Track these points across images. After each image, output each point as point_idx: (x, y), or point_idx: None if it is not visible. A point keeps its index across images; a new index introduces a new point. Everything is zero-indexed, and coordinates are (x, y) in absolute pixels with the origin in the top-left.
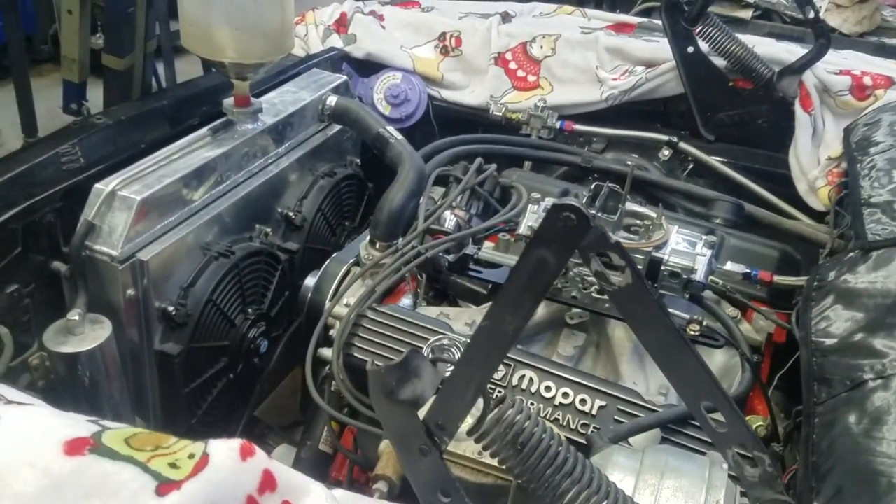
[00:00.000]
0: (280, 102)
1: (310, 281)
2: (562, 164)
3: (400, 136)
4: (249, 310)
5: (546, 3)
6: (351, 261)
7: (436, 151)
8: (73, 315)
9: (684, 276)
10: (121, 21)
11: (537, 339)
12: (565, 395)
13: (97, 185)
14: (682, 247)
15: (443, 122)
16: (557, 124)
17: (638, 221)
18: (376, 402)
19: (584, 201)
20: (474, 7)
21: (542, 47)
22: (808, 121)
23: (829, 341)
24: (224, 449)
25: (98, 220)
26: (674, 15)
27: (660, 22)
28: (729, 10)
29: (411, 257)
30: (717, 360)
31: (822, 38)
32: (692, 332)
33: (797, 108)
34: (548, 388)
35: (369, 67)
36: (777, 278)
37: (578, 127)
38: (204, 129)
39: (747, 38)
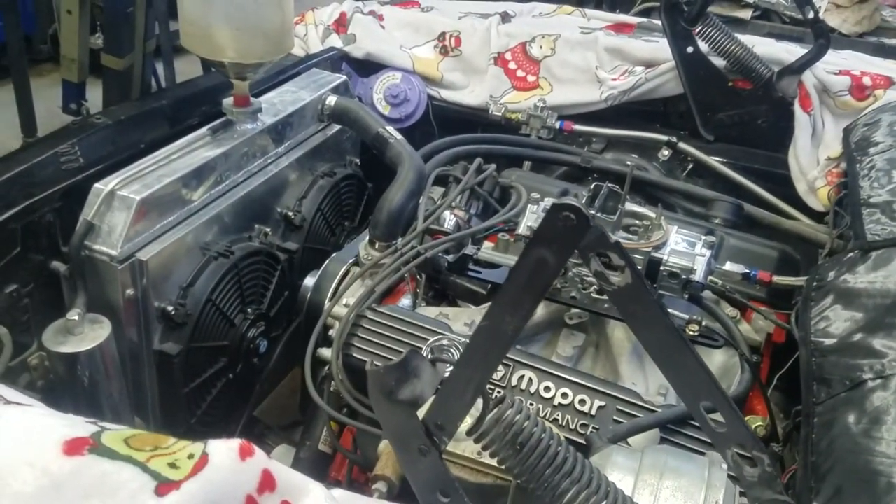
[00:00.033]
0: (279, 102)
1: (309, 281)
2: (561, 164)
3: (399, 136)
4: (249, 310)
5: (545, 3)
6: (350, 261)
7: (435, 151)
8: (73, 315)
9: (683, 277)
10: (120, 21)
11: (536, 339)
12: (564, 395)
13: (96, 185)
14: (682, 247)
15: (442, 122)
16: (557, 124)
17: (637, 221)
18: (375, 402)
19: (583, 201)
20: (474, 7)
21: (541, 47)
22: (808, 121)
23: (828, 341)
24: (223, 449)
25: (97, 220)
26: (673, 15)
27: (659, 22)
28: (728, 10)
29: (411, 257)
30: (716, 360)
31: (822, 38)
32: (691, 333)
33: (797, 108)
34: (547, 389)
35: (369, 67)
36: (776, 278)
37: (578, 127)
38: (203, 129)
39: (747, 39)
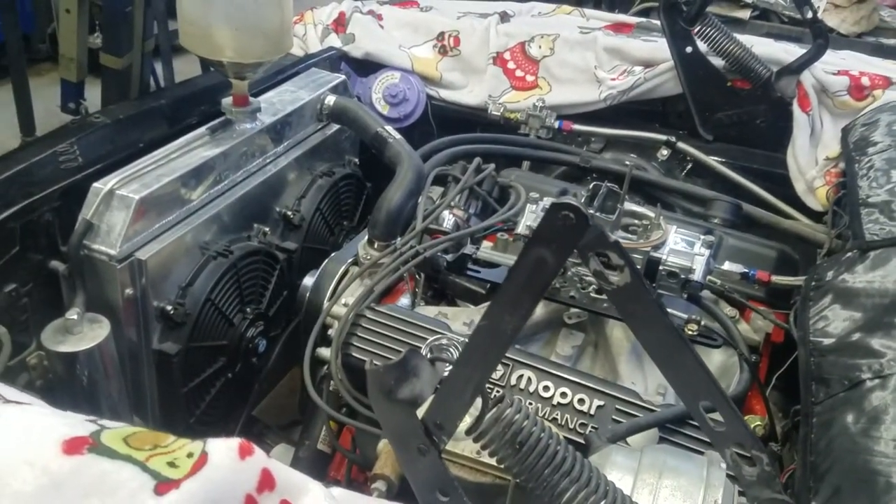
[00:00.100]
0: (278, 102)
1: (308, 280)
2: (560, 163)
3: (398, 136)
4: (248, 309)
5: (544, 3)
6: (349, 260)
7: (434, 151)
8: (72, 314)
9: (682, 276)
10: (119, 20)
11: (535, 338)
12: (563, 394)
13: (95, 185)
14: (681, 246)
15: (441, 121)
16: (556, 124)
17: (636, 221)
18: (375, 401)
19: (582, 201)
20: (473, 7)
21: (540, 47)
22: (807, 121)
23: (826, 341)
24: (223, 448)
25: (96, 220)
26: (672, 15)
27: (658, 22)
28: (727, 10)
29: (409, 257)
30: (715, 359)
31: (821, 38)
32: (690, 332)
33: (795, 108)
34: (546, 388)
35: (368, 67)
36: (775, 278)
37: (577, 127)
38: (202, 129)
39: (745, 38)
